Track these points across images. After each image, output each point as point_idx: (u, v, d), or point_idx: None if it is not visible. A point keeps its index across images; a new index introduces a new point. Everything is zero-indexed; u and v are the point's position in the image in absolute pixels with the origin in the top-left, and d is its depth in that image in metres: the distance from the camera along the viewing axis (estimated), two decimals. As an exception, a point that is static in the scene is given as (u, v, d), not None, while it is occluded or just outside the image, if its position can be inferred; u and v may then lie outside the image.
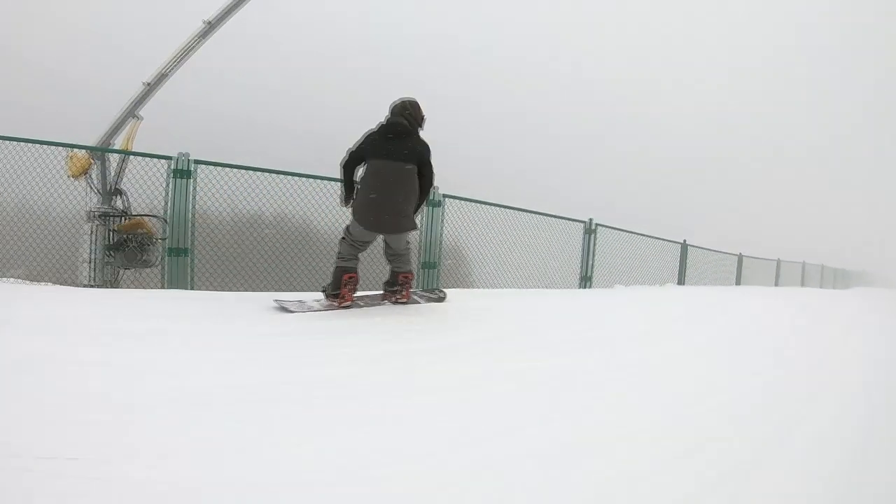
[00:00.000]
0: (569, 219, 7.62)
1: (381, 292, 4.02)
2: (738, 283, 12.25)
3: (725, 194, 37.32)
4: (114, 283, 6.09)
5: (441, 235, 5.99)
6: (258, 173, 5.27)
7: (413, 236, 4.48)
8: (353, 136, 3.77)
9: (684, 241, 10.09)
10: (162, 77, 5.85)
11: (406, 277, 3.95)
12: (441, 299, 4.26)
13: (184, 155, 4.98)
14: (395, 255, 3.89)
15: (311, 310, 3.52)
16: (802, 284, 15.18)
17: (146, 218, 5.86)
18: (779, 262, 14.33)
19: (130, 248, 5.80)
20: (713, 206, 35.44)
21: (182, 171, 4.98)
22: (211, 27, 6.03)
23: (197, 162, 5.00)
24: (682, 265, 10.01)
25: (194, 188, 5.01)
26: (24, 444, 1.37)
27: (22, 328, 2.39)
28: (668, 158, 37.43)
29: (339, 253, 3.79)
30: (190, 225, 5.05)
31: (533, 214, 7.28)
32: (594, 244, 7.69)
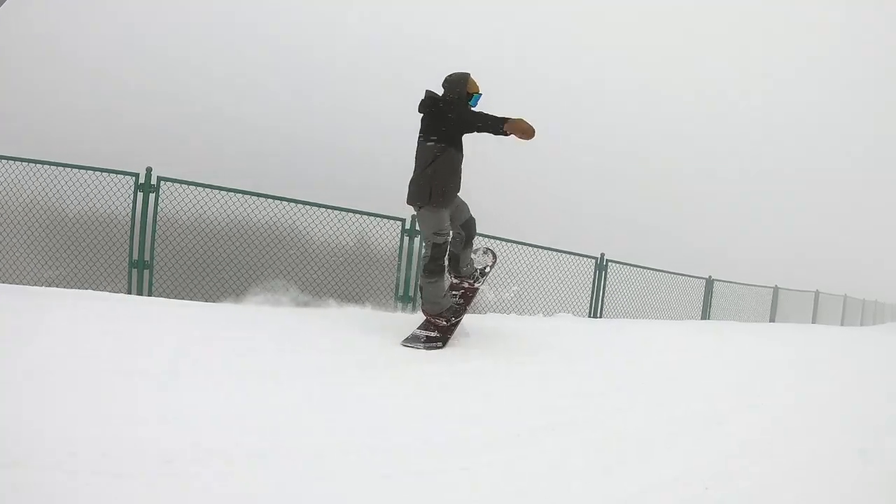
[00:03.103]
0: (380, 216, 5.54)
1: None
2: (705, 316, 9.41)
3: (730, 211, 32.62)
4: None
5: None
6: None
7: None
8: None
9: (602, 254, 7.62)
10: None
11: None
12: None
13: None
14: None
15: None
16: (813, 321, 11.79)
17: None
18: (776, 289, 11.16)
19: None
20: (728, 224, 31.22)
21: None
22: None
23: None
24: (597, 289, 7.50)
25: None
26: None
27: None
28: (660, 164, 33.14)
29: None
30: None
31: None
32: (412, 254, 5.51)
